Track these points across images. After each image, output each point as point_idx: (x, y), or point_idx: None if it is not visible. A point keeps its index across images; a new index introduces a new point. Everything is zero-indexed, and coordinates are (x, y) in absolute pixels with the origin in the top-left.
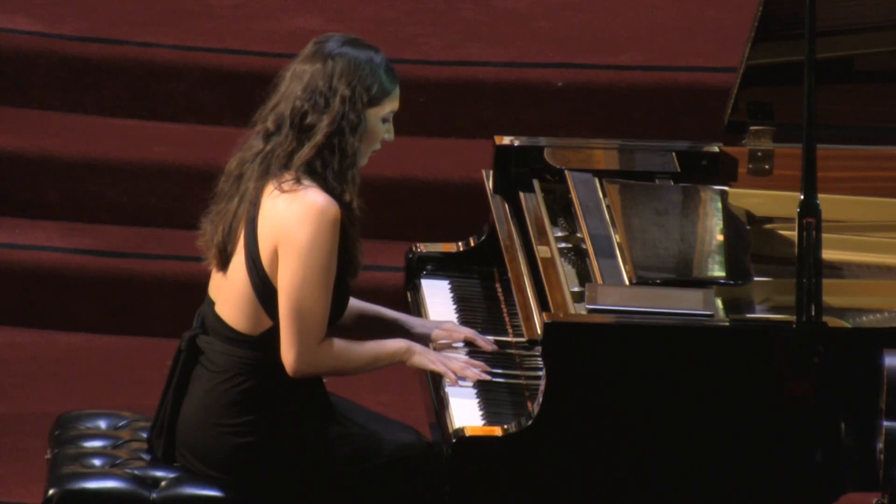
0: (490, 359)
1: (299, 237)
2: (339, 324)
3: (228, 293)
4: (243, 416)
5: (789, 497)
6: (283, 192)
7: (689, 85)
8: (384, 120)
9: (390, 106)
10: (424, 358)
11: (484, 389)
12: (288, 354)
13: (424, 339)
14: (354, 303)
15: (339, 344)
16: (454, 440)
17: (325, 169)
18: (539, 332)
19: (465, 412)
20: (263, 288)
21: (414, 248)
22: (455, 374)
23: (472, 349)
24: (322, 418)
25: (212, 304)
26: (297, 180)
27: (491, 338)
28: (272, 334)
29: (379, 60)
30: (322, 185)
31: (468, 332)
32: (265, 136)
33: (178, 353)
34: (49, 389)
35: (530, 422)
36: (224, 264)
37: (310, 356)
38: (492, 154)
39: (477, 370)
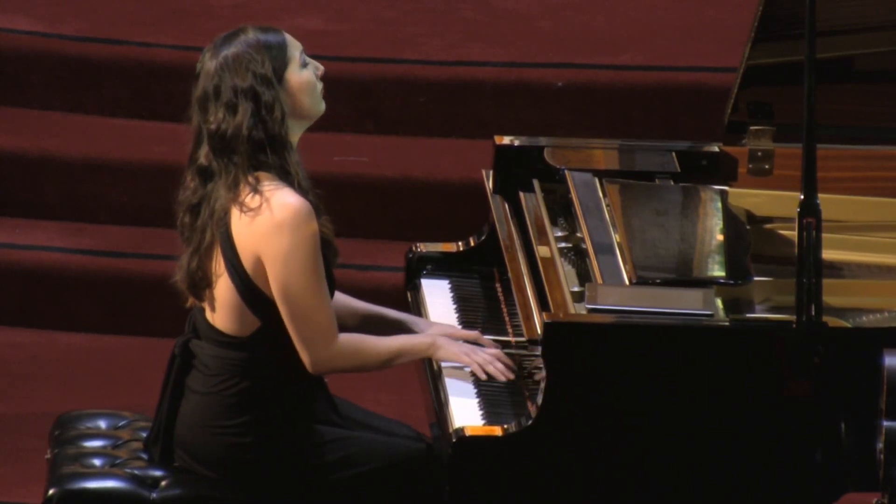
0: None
1: (281, 245)
2: (343, 326)
3: (215, 299)
4: (239, 417)
5: (789, 497)
6: (250, 209)
7: (689, 85)
8: (303, 65)
9: (295, 53)
10: (449, 351)
11: (484, 389)
12: (305, 357)
13: None
14: (359, 305)
15: (358, 340)
16: (454, 440)
17: (269, 167)
18: (539, 331)
19: (465, 412)
20: (248, 291)
21: (414, 248)
22: (481, 367)
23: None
24: (320, 419)
25: (202, 309)
26: (255, 188)
27: (490, 338)
28: (262, 334)
29: (251, 36)
30: (279, 178)
31: (470, 335)
32: (201, 175)
33: (172, 358)
34: (49, 389)
35: (530, 422)
36: (201, 297)
37: (327, 355)
38: (492, 154)
39: (501, 366)
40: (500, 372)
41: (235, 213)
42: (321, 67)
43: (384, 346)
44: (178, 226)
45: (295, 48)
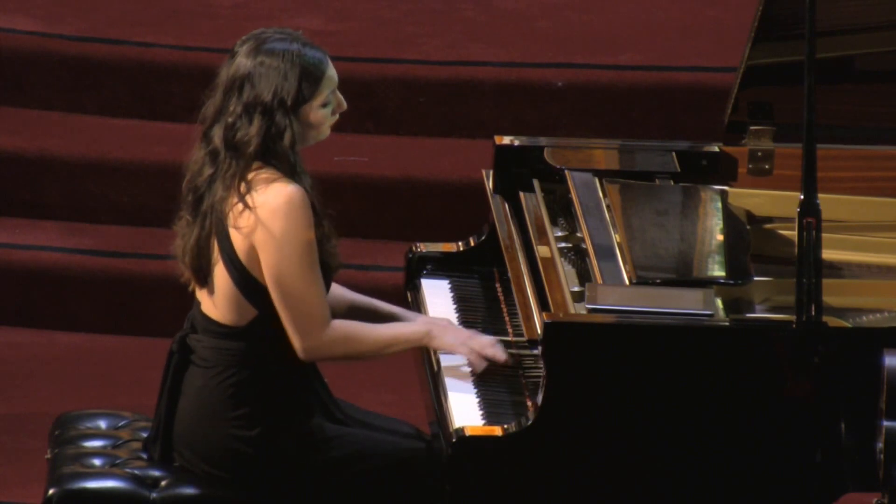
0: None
1: (274, 231)
2: (332, 314)
3: (212, 288)
4: (239, 409)
5: (789, 497)
6: (245, 197)
7: (689, 85)
8: (324, 105)
9: (325, 91)
10: (444, 341)
11: (484, 389)
12: (295, 342)
13: None
14: (350, 295)
15: (349, 327)
16: (454, 440)
17: (274, 162)
18: (539, 331)
19: (465, 412)
20: (244, 280)
21: (414, 248)
22: (478, 354)
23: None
24: (321, 414)
25: (198, 304)
26: (250, 180)
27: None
28: (260, 323)
29: (296, 56)
30: (277, 167)
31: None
32: (212, 155)
33: (170, 354)
34: (49, 389)
35: (530, 422)
36: (204, 281)
37: (318, 342)
38: (492, 154)
39: (500, 349)
40: (498, 353)
41: (230, 202)
42: (344, 105)
43: (377, 334)
44: (182, 194)
45: (328, 86)
